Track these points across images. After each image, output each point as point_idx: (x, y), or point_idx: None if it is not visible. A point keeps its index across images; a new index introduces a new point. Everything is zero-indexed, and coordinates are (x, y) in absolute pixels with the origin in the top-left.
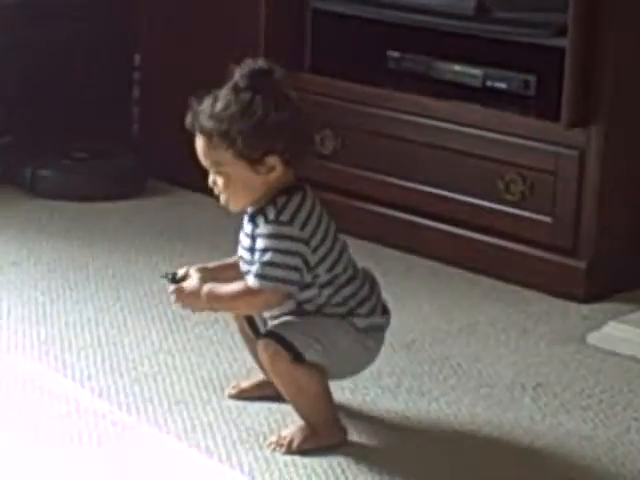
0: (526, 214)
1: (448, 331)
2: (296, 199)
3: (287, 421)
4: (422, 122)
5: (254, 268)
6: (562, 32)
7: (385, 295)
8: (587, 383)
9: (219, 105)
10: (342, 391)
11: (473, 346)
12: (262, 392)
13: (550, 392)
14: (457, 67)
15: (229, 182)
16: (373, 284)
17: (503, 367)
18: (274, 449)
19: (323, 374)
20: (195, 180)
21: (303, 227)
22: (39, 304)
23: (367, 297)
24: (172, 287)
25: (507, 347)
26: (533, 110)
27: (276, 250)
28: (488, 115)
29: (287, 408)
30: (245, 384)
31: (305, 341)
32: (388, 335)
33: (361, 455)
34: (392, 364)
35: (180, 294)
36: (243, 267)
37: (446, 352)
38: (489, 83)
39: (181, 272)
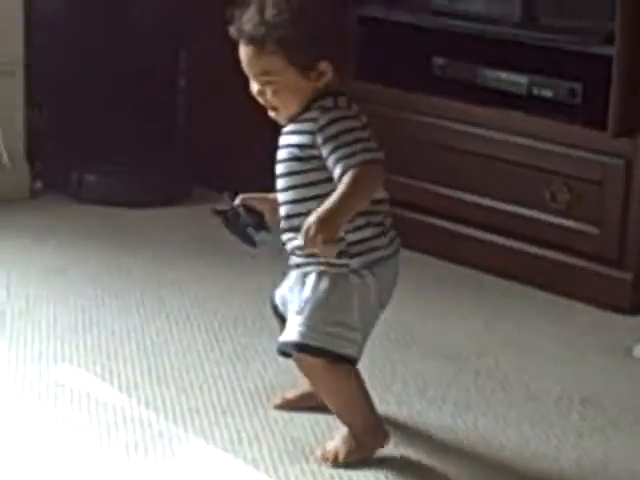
0: (572, 224)
1: (494, 343)
2: (343, 98)
3: (333, 433)
4: (467, 130)
5: (340, 153)
6: (609, 40)
7: (431, 304)
8: (635, 396)
9: (270, 11)
10: (387, 404)
11: (519, 358)
12: (308, 403)
13: (598, 406)
14: (503, 74)
15: (278, 90)
16: (385, 216)
17: (550, 380)
18: (320, 464)
19: (353, 371)
20: (242, 188)
21: (358, 115)
22: (85, 312)
23: (378, 223)
24: (304, 233)
25: (553, 359)
26: (579, 118)
27: (351, 129)
28: (534, 123)
29: (333, 419)
30: (291, 395)
31: (328, 336)
32: (433, 346)
33: (407, 469)
34: (438, 376)
35: (317, 226)
36: (282, 168)
37: (492, 364)
38: (535, 91)
39: (236, 202)
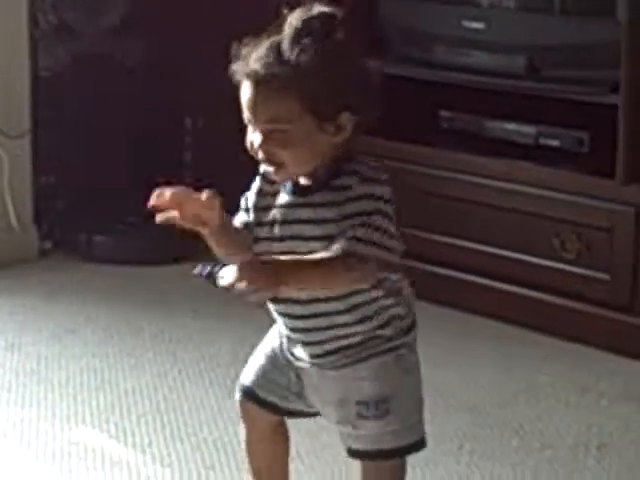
0: (583, 272)
1: (509, 392)
2: (383, 171)
3: None
4: (475, 181)
5: (361, 232)
6: (615, 89)
7: (445, 356)
8: None
9: (289, 49)
10: None
11: (534, 406)
12: None
13: (614, 452)
14: (510, 125)
15: (287, 142)
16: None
17: (565, 427)
18: None
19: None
20: None
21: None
22: (97, 371)
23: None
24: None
25: (568, 406)
26: (587, 167)
27: (390, 217)
28: (542, 173)
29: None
30: None
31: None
32: (449, 397)
33: None
34: (454, 427)
35: (247, 272)
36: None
37: (508, 414)
38: (542, 141)
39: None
